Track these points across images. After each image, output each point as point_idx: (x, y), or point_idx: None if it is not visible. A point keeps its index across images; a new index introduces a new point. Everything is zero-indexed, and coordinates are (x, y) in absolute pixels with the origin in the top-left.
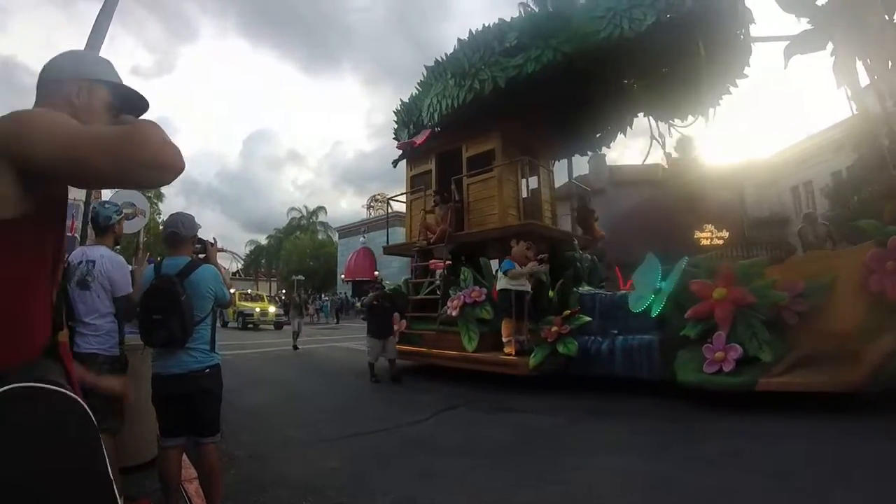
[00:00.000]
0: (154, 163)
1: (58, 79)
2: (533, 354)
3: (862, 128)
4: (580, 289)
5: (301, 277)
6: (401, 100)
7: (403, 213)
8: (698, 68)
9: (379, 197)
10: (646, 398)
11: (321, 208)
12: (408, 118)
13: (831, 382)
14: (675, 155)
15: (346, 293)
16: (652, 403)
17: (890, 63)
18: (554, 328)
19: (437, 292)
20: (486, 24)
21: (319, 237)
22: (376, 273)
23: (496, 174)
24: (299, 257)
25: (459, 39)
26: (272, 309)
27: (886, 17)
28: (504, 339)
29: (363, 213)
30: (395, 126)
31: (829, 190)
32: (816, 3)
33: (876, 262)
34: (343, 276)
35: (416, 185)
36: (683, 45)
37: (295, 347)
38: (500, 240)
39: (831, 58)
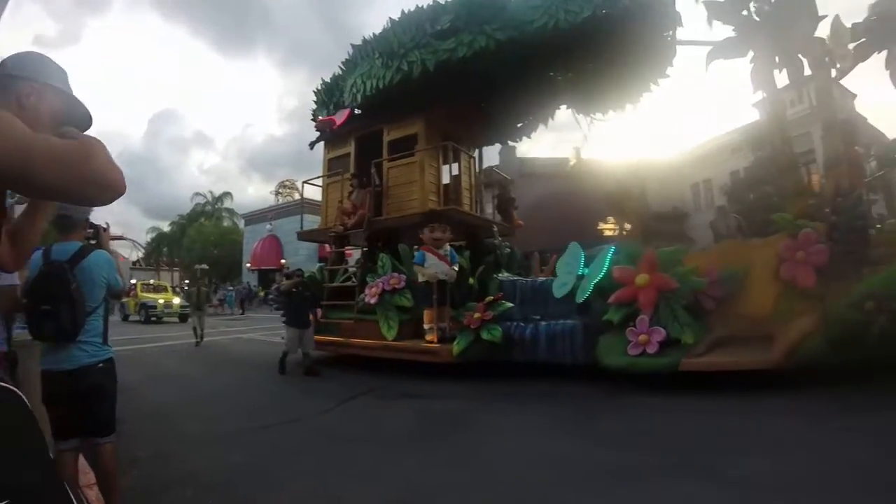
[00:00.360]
0: (101, 182)
1: (12, 75)
2: (456, 342)
3: (762, 131)
4: (500, 275)
5: (205, 266)
6: (322, 79)
7: (313, 200)
8: (623, 65)
9: (287, 183)
10: (562, 382)
11: (227, 194)
12: (328, 98)
13: (751, 361)
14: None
15: (249, 283)
16: (565, 386)
17: (809, 72)
18: (476, 315)
19: (354, 280)
20: (420, 5)
21: (225, 224)
22: (283, 261)
23: (418, 159)
24: (203, 245)
25: (391, 18)
26: (177, 300)
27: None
28: (425, 327)
29: (271, 200)
30: (315, 106)
31: (727, 188)
32: (742, 13)
33: (788, 253)
34: (249, 264)
35: (333, 168)
36: (612, 42)
37: (197, 343)
38: (420, 226)
39: (750, 65)
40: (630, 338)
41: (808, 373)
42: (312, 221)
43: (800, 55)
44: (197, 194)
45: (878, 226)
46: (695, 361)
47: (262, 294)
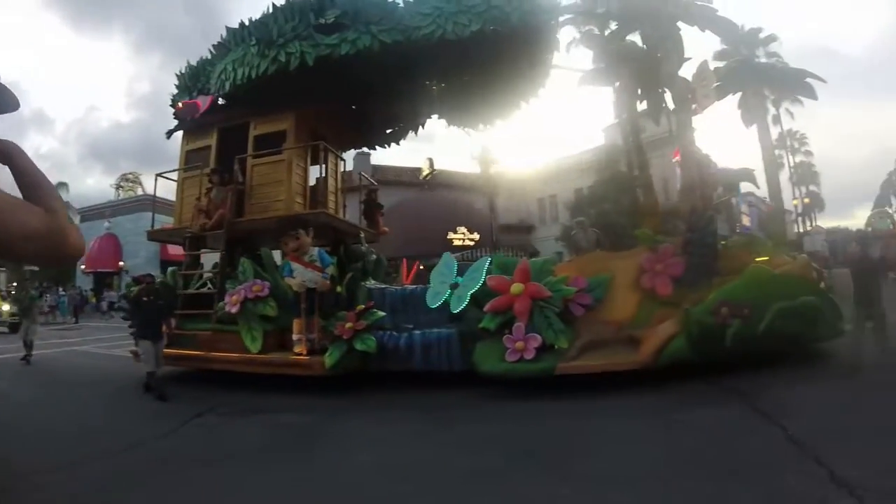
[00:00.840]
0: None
1: None
2: (328, 353)
3: (608, 154)
4: (368, 283)
5: (34, 268)
6: (188, 61)
7: (165, 200)
8: (499, 82)
9: (130, 176)
10: (434, 390)
11: (62, 184)
12: (192, 83)
13: (621, 363)
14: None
15: (82, 287)
16: (436, 395)
17: (672, 105)
18: (348, 324)
19: (210, 286)
20: None
21: None
22: (121, 263)
23: (287, 157)
24: None
25: (273, 4)
26: (5, 307)
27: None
28: (294, 338)
29: (111, 195)
30: (176, 91)
31: (570, 204)
32: (613, 47)
33: (648, 265)
34: (83, 266)
35: (191, 161)
36: (493, 59)
37: (26, 360)
38: (286, 229)
39: (614, 94)
40: (507, 345)
41: (662, 371)
42: (161, 222)
43: (661, 90)
44: None
45: (723, 242)
46: (569, 365)
47: (94, 300)
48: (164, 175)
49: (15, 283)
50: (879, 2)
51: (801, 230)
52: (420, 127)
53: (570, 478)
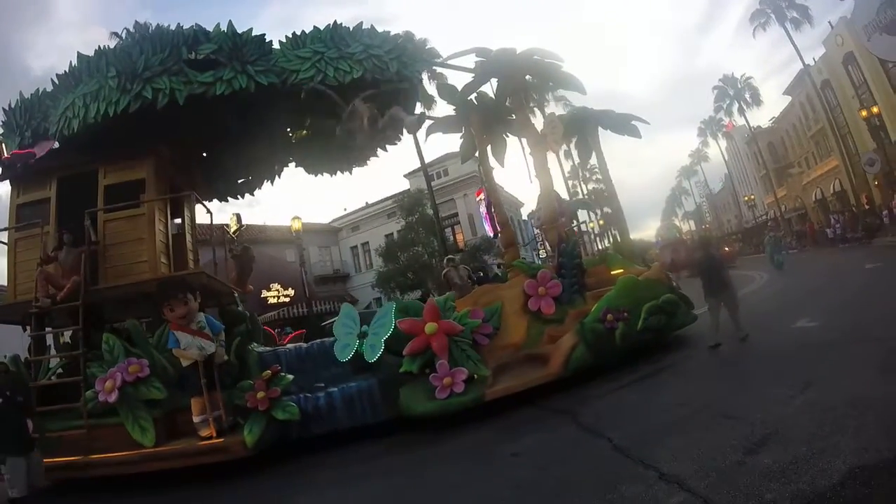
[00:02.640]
0: None
1: None
2: (247, 430)
3: (413, 199)
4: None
5: None
6: (21, 93)
7: None
8: (356, 132)
9: None
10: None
11: None
12: (24, 121)
13: (538, 378)
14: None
15: None
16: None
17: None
18: (260, 394)
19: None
20: (178, 24)
21: None
22: None
23: (147, 211)
24: None
25: (134, 32)
26: None
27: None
28: (196, 420)
29: None
30: (1, 130)
31: (382, 249)
32: (467, 98)
33: (531, 289)
34: None
35: (25, 217)
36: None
37: None
38: (166, 294)
39: (460, 139)
40: (434, 382)
41: (492, 403)
42: None
43: (505, 135)
44: None
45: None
46: (495, 390)
47: None
48: None
49: None
50: (653, 54)
51: (602, 247)
52: (277, 176)
53: None
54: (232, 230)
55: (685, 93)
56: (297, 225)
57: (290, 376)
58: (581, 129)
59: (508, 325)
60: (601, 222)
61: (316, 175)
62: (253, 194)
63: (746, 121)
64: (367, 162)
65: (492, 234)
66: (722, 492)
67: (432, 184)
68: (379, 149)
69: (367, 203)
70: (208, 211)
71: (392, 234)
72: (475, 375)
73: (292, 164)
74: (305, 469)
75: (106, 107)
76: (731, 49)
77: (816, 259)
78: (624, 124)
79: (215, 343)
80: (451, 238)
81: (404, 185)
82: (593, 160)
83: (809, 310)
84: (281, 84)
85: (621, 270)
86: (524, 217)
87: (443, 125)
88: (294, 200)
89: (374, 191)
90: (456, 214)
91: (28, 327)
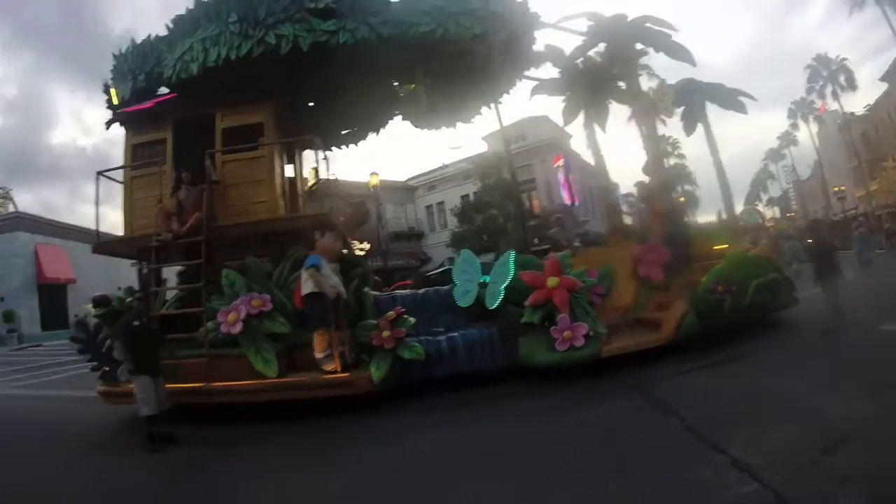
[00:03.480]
0: None
1: None
2: (374, 366)
3: (490, 161)
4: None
5: None
6: (132, 39)
7: (25, 214)
8: (471, 87)
9: (0, 192)
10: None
11: None
12: (137, 65)
13: (651, 341)
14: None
15: None
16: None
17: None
18: (385, 333)
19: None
20: None
21: None
22: None
23: (266, 153)
24: None
25: None
26: None
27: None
28: (319, 355)
29: None
30: (112, 75)
31: (457, 210)
32: (574, 61)
33: (642, 255)
34: None
35: (139, 157)
36: (476, 64)
37: None
38: (270, 236)
39: (563, 103)
40: (555, 335)
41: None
42: (27, 241)
43: (608, 101)
44: None
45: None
46: (611, 347)
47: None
48: (105, 173)
49: None
50: (741, 17)
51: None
52: (382, 128)
53: (461, 491)
54: (309, 184)
55: (770, 70)
56: (374, 181)
57: (413, 319)
58: (688, 100)
59: (618, 288)
60: (682, 199)
61: (421, 129)
62: (357, 145)
63: (840, 105)
64: (472, 119)
65: (569, 202)
66: (794, 488)
67: (510, 147)
68: (485, 106)
69: (444, 164)
70: (325, 158)
71: (468, 195)
72: (592, 332)
73: (398, 117)
74: (421, 410)
75: (227, 51)
76: (822, 29)
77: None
78: (731, 99)
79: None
80: (528, 203)
81: (482, 147)
82: (671, 131)
83: None
84: (400, 36)
85: (726, 245)
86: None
87: (547, 87)
88: (369, 157)
89: (450, 152)
90: (533, 180)
91: (143, 261)
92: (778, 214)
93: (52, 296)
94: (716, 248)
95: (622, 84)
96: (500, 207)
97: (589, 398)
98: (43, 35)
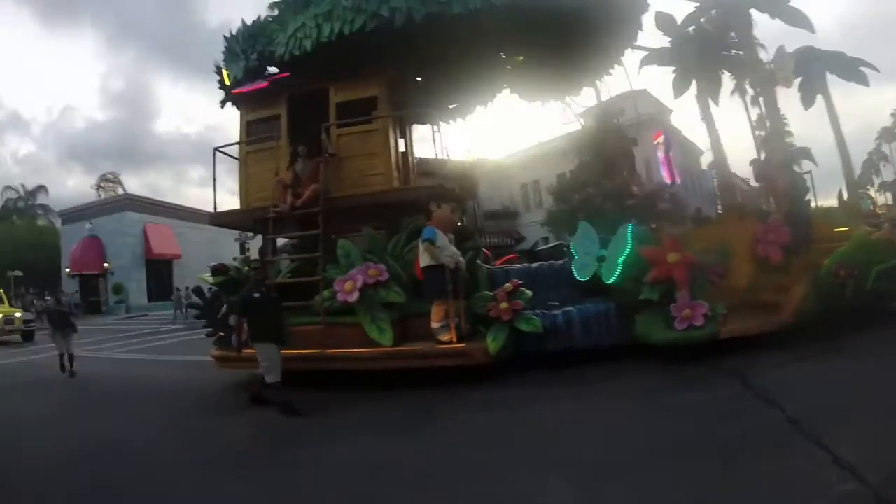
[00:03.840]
0: None
1: None
2: (491, 338)
3: (586, 138)
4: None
5: (18, 273)
6: (242, 20)
7: (134, 195)
8: (581, 57)
9: (110, 176)
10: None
11: (41, 188)
12: (248, 46)
13: (769, 324)
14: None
15: (66, 295)
16: (409, 392)
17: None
18: (503, 304)
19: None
20: None
21: (39, 223)
22: (106, 265)
23: (381, 127)
24: (15, 248)
25: None
26: (18, 314)
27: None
28: (436, 325)
29: (92, 196)
30: (224, 57)
31: (553, 188)
32: (686, 29)
33: (761, 234)
34: (68, 269)
35: (253, 133)
36: (587, 32)
37: (67, 370)
38: (385, 207)
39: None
40: (674, 313)
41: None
42: (136, 221)
43: (720, 71)
44: (7, 188)
45: None
46: (730, 328)
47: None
48: (222, 149)
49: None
50: None
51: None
52: (490, 101)
53: (558, 466)
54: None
55: (881, 38)
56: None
57: (529, 292)
58: (807, 70)
59: (734, 267)
60: (806, 175)
61: (530, 102)
62: (464, 119)
63: None
64: (580, 91)
65: (668, 181)
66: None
67: (616, 121)
68: (596, 78)
69: (539, 141)
70: (437, 131)
71: (564, 173)
72: (711, 311)
73: (506, 91)
74: (534, 382)
75: (340, 26)
76: None
77: None
78: (852, 69)
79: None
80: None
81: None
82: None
83: None
84: (513, 6)
85: (846, 228)
86: (703, 167)
87: (656, 57)
88: (464, 134)
89: (547, 129)
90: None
91: (257, 233)
92: (891, 200)
93: (159, 270)
94: (835, 230)
95: (736, 53)
96: (597, 186)
97: (687, 382)
98: (145, 30)
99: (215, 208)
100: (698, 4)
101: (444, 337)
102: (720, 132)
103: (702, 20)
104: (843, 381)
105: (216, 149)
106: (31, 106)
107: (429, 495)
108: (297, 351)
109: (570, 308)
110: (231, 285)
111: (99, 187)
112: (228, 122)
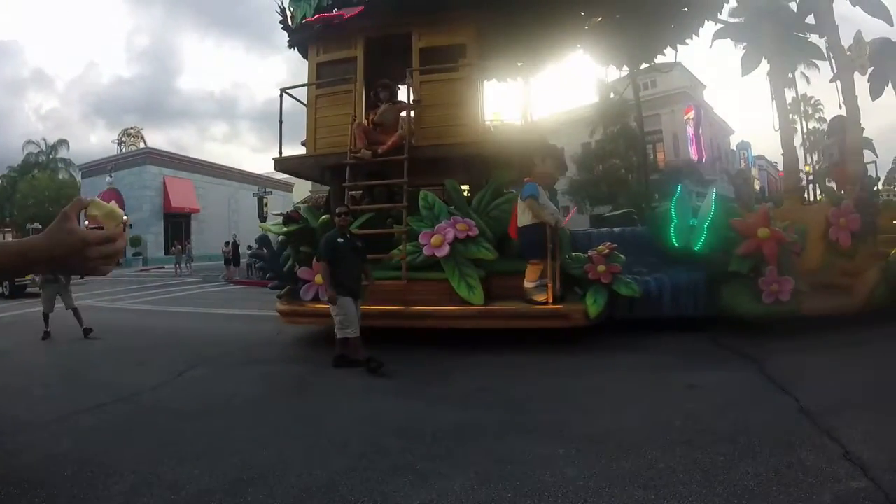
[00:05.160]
0: None
1: None
2: (591, 300)
3: (613, 109)
4: None
5: (38, 226)
6: None
7: (154, 149)
8: (655, 23)
9: (132, 131)
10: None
11: (63, 142)
12: None
13: (844, 306)
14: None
15: None
16: (420, 350)
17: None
18: (601, 267)
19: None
20: None
21: (60, 176)
22: (125, 218)
23: (467, 76)
24: (37, 201)
25: None
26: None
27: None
28: (530, 285)
29: (114, 150)
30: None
31: (577, 157)
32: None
33: (834, 218)
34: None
35: (323, 76)
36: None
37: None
38: (469, 160)
39: (742, 50)
40: (763, 287)
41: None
42: (156, 174)
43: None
44: (29, 142)
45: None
46: (812, 307)
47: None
48: (288, 91)
49: None
50: None
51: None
52: (562, 61)
53: (564, 437)
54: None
55: None
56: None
57: (623, 256)
58: (880, 61)
59: (808, 248)
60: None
61: (603, 65)
62: (532, 78)
63: None
64: (654, 59)
65: (696, 158)
66: None
67: (640, 94)
68: (671, 47)
69: (566, 109)
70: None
71: (589, 143)
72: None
73: (580, 51)
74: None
75: None
76: None
77: None
78: None
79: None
80: (652, 155)
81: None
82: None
83: None
84: None
85: None
86: (733, 147)
87: (731, 31)
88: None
89: (574, 96)
90: (660, 131)
91: (324, 181)
92: None
93: (178, 223)
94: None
95: (813, 36)
96: (622, 157)
97: (702, 362)
98: None
99: (280, 153)
100: None
101: (540, 297)
102: (752, 114)
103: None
104: (862, 375)
105: (283, 90)
106: (55, 62)
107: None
108: (377, 306)
109: (663, 275)
110: (306, 235)
111: (120, 142)
112: (254, 80)
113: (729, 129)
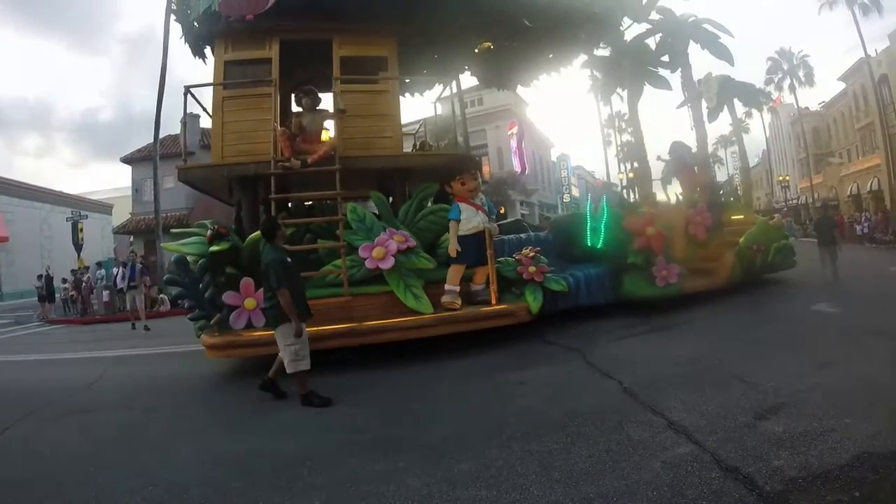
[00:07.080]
0: None
1: None
2: (531, 298)
3: (441, 125)
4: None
5: None
6: None
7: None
8: (538, 52)
9: None
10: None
11: None
12: None
13: (712, 283)
14: None
15: None
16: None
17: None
18: (531, 268)
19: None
20: None
21: None
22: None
23: (391, 88)
24: None
25: None
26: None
27: None
28: (449, 288)
29: None
30: None
31: None
32: (628, 44)
33: (692, 216)
34: None
35: (231, 76)
36: (562, 31)
37: None
38: (394, 172)
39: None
40: (656, 274)
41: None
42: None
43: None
44: None
45: None
46: (690, 286)
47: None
48: (191, 90)
49: None
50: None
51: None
52: (453, 81)
53: (404, 450)
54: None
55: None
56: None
57: (544, 258)
58: (721, 93)
59: (675, 242)
60: (631, 175)
61: (487, 87)
62: (423, 95)
63: (796, 99)
64: (532, 83)
65: (519, 170)
66: (729, 450)
67: (465, 111)
68: (545, 74)
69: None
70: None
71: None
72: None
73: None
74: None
75: None
76: (788, 21)
77: (842, 252)
78: (751, 95)
79: (492, 222)
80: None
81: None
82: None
83: (827, 296)
84: None
85: (742, 216)
86: (553, 159)
87: (597, 63)
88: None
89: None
90: (485, 145)
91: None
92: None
93: None
94: (733, 217)
95: (662, 70)
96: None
97: (531, 360)
98: None
99: (185, 161)
100: (650, 26)
101: (454, 302)
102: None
103: (645, 41)
104: (675, 354)
105: (188, 87)
106: None
107: None
108: (324, 327)
109: (576, 271)
110: (234, 255)
111: None
112: (74, 85)
113: (549, 142)
